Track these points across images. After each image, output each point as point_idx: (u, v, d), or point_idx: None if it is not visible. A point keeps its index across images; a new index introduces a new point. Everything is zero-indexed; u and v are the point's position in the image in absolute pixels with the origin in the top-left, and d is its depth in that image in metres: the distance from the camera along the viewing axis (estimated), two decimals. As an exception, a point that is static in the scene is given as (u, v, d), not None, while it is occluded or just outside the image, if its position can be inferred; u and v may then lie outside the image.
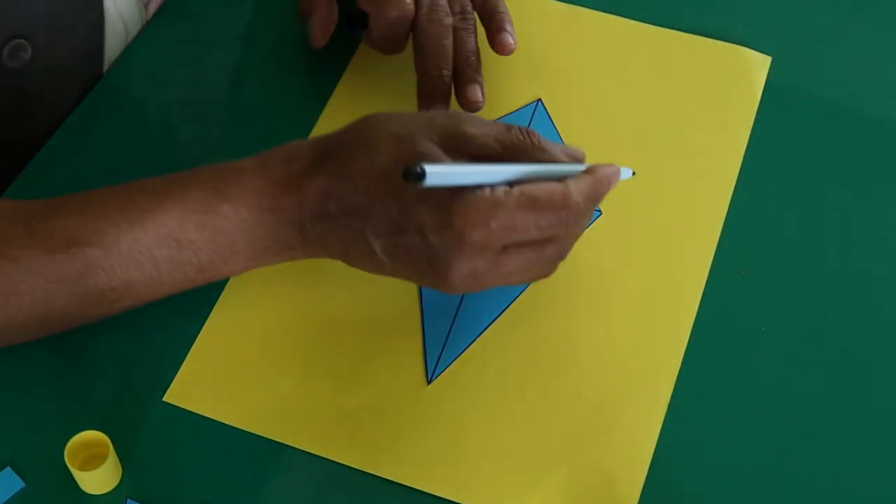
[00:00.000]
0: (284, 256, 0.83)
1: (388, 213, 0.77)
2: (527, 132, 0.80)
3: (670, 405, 0.82)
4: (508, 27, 0.97)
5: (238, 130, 0.98)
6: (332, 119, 0.97)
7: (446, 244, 0.75)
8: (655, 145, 0.96)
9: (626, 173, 0.84)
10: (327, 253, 0.82)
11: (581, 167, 0.80)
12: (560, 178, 0.78)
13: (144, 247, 0.79)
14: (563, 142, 0.96)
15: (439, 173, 0.71)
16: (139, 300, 0.82)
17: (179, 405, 0.83)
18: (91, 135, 0.96)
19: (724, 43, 1.02)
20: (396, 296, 0.87)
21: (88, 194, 0.81)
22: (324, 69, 1.01)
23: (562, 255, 0.81)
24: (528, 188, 0.76)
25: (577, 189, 0.77)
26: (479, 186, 0.74)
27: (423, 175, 0.69)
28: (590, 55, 1.02)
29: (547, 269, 0.81)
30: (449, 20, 0.95)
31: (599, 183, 0.80)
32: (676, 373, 0.84)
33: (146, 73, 1.00)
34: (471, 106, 0.95)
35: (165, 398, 0.83)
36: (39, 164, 0.94)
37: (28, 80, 0.94)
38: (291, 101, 0.99)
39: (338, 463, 0.80)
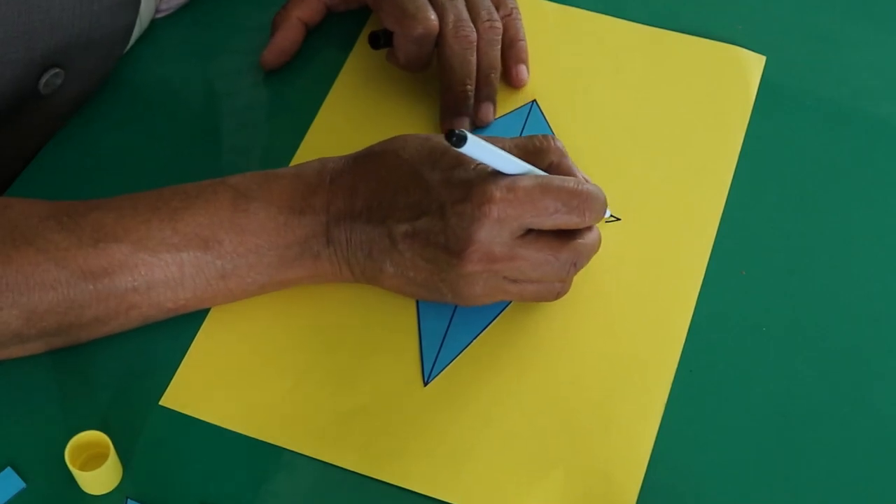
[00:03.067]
0: (307, 269, 0.83)
1: (411, 198, 0.80)
2: (547, 138, 0.84)
3: (668, 406, 0.83)
4: (525, 58, 0.99)
5: (237, 131, 0.98)
6: (329, 117, 0.97)
7: (464, 219, 0.78)
8: (651, 145, 0.96)
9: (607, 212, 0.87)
10: (349, 262, 0.83)
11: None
12: None
13: (172, 246, 0.80)
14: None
15: (478, 144, 0.76)
16: (155, 308, 0.82)
17: (176, 409, 0.82)
18: (93, 135, 0.96)
19: (718, 43, 1.02)
20: (393, 297, 0.87)
21: (123, 196, 0.82)
22: (322, 69, 1.01)
23: (575, 267, 0.82)
24: (543, 176, 0.80)
25: (588, 186, 0.81)
26: (500, 173, 0.80)
27: (464, 139, 0.74)
28: (584, 56, 1.02)
29: (558, 279, 0.83)
30: (474, 36, 0.95)
31: (600, 189, 0.82)
32: (674, 373, 0.84)
33: (148, 73, 1.00)
34: (480, 122, 0.96)
35: (162, 402, 0.82)
36: (40, 163, 0.94)
37: (59, 104, 0.94)
38: (289, 102, 0.99)
39: (334, 465, 0.80)
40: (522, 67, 0.98)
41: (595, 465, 0.80)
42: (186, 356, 0.85)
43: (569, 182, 0.80)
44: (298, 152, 0.95)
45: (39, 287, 0.78)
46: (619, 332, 0.86)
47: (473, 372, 0.84)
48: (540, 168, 0.82)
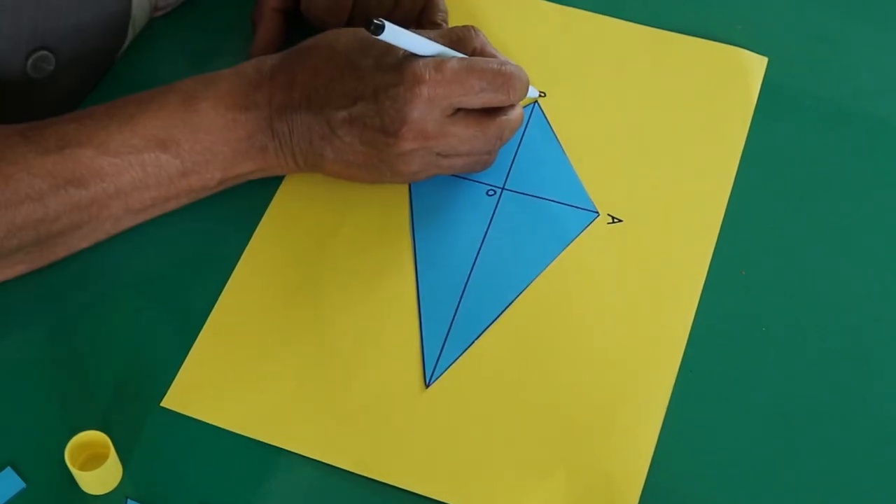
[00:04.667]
0: (258, 162, 0.88)
1: (346, 85, 0.86)
2: (468, 28, 0.90)
3: (670, 406, 0.82)
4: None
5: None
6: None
7: (398, 101, 0.84)
8: (653, 146, 0.96)
9: (532, 91, 0.94)
10: (295, 153, 0.88)
11: None
12: None
13: (133, 147, 0.84)
14: (560, 146, 0.96)
15: (397, 31, 0.82)
16: (124, 209, 0.85)
17: (177, 410, 0.82)
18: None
19: (720, 44, 1.02)
20: (394, 299, 0.87)
21: (79, 110, 0.86)
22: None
23: (500, 141, 0.90)
24: (469, 58, 0.87)
25: (512, 65, 0.87)
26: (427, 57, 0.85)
27: (382, 27, 0.80)
28: (586, 57, 1.02)
29: (485, 152, 0.90)
30: None
31: (522, 70, 0.88)
32: (675, 374, 0.84)
33: (145, 73, 1.00)
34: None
35: (163, 403, 0.82)
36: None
37: (51, 90, 0.93)
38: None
39: (335, 467, 0.80)
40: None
41: (597, 465, 0.80)
42: (188, 358, 0.85)
43: (493, 63, 0.86)
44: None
45: (16, 198, 0.81)
46: (620, 333, 0.86)
47: (475, 373, 0.84)
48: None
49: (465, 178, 0.94)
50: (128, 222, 0.87)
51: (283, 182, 0.93)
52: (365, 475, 0.80)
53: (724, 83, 1.00)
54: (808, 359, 0.85)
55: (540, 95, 0.98)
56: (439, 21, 1.00)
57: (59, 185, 0.82)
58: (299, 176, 0.93)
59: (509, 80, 0.86)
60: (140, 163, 0.84)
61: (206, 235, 0.91)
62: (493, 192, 0.93)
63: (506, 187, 0.93)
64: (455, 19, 1.02)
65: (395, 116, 0.84)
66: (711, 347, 0.85)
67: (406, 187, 0.93)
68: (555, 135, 0.97)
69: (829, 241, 0.91)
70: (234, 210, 0.92)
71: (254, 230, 0.91)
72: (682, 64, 1.01)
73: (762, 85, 0.99)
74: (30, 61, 0.90)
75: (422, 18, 1.00)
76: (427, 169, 0.89)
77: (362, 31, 0.87)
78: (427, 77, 0.84)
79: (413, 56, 0.85)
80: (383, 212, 0.92)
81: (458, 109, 0.86)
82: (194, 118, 0.85)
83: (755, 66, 1.01)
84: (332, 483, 0.80)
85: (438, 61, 0.85)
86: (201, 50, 1.02)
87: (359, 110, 0.85)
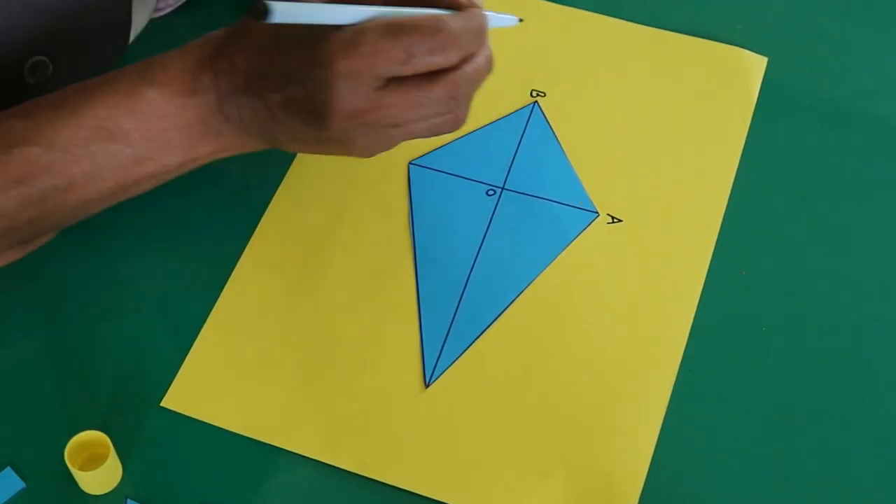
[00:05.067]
0: (215, 145, 0.84)
1: (276, 66, 0.80)
2: None
3: (670, 406, 0.82)
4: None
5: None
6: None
7: (318, 82, 0.77)
8: (653, 146, 0.96)
9: (507, 19, 0.85)
10: (248, 135, 0.84)
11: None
12: None
13: (81, 140, 0.81)
14: (560, 145, 0.96)
15: (287, 11, 0.72)
16: (83, 201, 0.83)
17: (177, 410, 0.82)
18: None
19: (720, 44, 1.02)
20: (394, 299, 0.88)
21: (28, 102, 0.84)
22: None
23: (456, 99, 0.79)
24: (391, 17, 0.77)
25: (448, 18, 0.77)
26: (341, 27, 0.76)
27: (266, 11, 0.71)
28: (586, 57, 1.02)
29: (442, 112, 0.80)
30: None
31: (472, 16, 0.78)
32: (675, 373, 0.84)
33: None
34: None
35: (163, 403, 0.83)
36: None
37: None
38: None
39: (334, 467, 0.80)
40: None
41: (597, 465, 0.80)
42: (188, 358, 0.85)
43: (424, 21, 0.76)
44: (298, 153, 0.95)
45: None
46: (620, 333, 0.86)
47: (475, 374, 0.84)
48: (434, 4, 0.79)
49: (465, 178, 0.94)
50: (93, 208, 0.85)
51: (283, 182, 0.93)
52: (365, 475, 0.80)
53: (724, 83, 1.00)
54: (808, 359, 0.85)
55: (519, 21, 0.87)
56: None
57: (8, 185, 0.80)
58: (299, 176, 0.93)
59: (446, 40, 0.76)
60: (89, 155, 0.81)
61: (206, 235, 0.91)
62: (492, 192, 0.93)
63: (506, 187, 0.93)
64: (455, 19, 1.01)
65: (318, 99, 0.78)
66: (711, 347, 0.85)
67: (406, 187, 0.93)
68: (555, 135, 0.97)
69: (829, 241, 0.91)
70: (234, 210, 0.92)
71: (254, 230, 0.91)
72: (682, 64, 1.01)
73: (762, 85, 0.99)
74: (27, 67, 0.90)
75: None
76: (379, 142, 0.81)
77: None
78: (339, 54, 0.76)
79: (332, 29, 0.76)
80: (383, 212, 0.92)
81: (393, 78, 0.77)
82: (142, 106, 0.82)
83: (755, 66, 1.01)
84: (332, 483, 0.80)
85: (355, 33, 0.76)
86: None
87: (290, 92, 0.79)
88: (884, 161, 0.95)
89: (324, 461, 0.80)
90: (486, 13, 0.80)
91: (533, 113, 0.98)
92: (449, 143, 0.96)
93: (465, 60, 0.78)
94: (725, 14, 1.05)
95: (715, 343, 0.85)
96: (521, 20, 0.87)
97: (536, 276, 0.89)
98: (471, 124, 0.97)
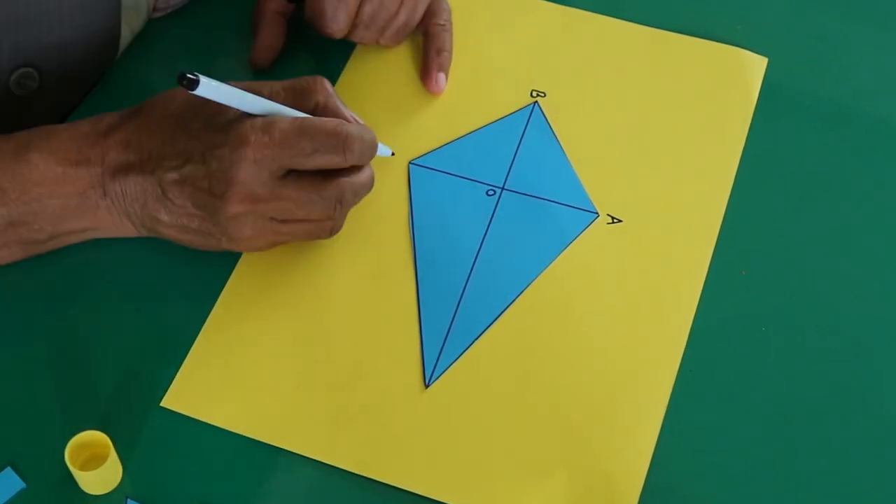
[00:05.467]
0: (89, 220, 0.85)
1: (177, 147, 0.82)
2: (315, 79, 0.86)
3: (670, 406, 0.82)
4: (447, 68, 1.01)
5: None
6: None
7: (224, 162, 0.80)
8: (653, 147, 0.96)
9: (384, 150, 0.91)
10: (127, 214, 0.85)
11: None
12: None
13: None
14: (560, 145, 0.96)
15: (215, 86, 0.78)
16: None
17: (177, 410, 0.82)
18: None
19: (720, 44, 1.02)
20: (394, 299, 0.87)
21: None
22: (321, 71, 1.00)
23: (340, 204, 0.84)
24: (303, 116, 0.83)
25: (348, 126, 0.83)
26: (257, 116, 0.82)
27: (196, 82, 0.77)
28: (586, 57, 1.02)
29: (326, 214, 0.84)
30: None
31: (368, 130, 0.85)
32: (675, 373, 0.84)
33: (146, 73, 1.00)
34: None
35: (163, 403, 0.82)
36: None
37: (37, 106, 0.94)
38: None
39: (334, 467, 0.80)
40: (442, 75, 1.00)
41: (596, 465, 0.80)
42: (188, 358, 0.85)
43: (328, 123, 0.82)
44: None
45: None
46: (620, 333, 0.86)
47: (475, 373, 0.84)
48: (305, 109, 0.84)
49: (465, 178, 0.94)
50: None
51: (283, 182, 0.93)
52: (365, 475, 0.80)
53: (724, 83, 1.00)
54: (808, 359, 0.85)
55: (392, 154, 0.93)
56: (443, 22, 1.00)
57: None
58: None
59: (345, 141, 0.82)
60: None
61: (206, 235, 0.91)
62: (492, 193, 0.93)
63: (506, 187, 0.93)
64: (457, 19, 1.02)
65: (222, 178, 0.81)
66: (711, 347, 0.85)
67: (406, 187, 0.93)
68: (555, 135, 0.97)
69: (829, 241, 0.91)
70: (234, 210, 0.92)
71: (254, 230, 0.91)
72: (682, 64, 1.01)
73: (762, 85, 1.00)
74: (13, 78, 0.90)
75: (426, 22, 1.00)
76: (263, 235, 0.84)
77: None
78: (253, 138, 0.80)
79: (244, 116, 0.82)
80: (383, 212, 0.92)
81: (292, 171, 0.82)
82: (24, 169, 0.82)
83: (755, 66, 1.01)
84: (332, 483, 0.80)
85: (268, 121, 0.81)
86: (201, 50, 1.02)
87: (188, 171, 0.82)
88: (884, 161, 0.96)
89: (324, 461, 0.80)
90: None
91: (533, 113, 0.98)
92: (449, 143, 0.96)
93: (355, 168, 0.85)
94: (725, 14, 1.05)
95: (715, 343, 0.85)
96: (392, 154, 0.93)
97: (536, 277, 0.89)
98: (471, 124, 0.97)
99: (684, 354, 0.85)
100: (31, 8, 0.88)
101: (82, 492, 0.79)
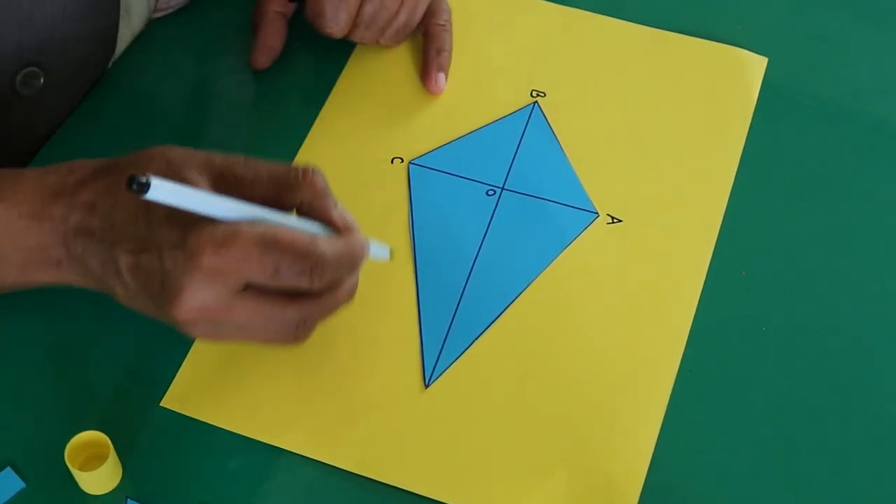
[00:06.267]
0: (52, 275, 0.80)
1: (138, 230, 0.75)
2: (307, 172, 0.77)
3: (669, 406, 0.82)
4: (447, 68, 1.00)
5: (236, 131, 0.98)
6: (329, 119, 0.98)
7: (178, 265, 0.73)
8: (653, 147, 0.96)
9: (381, 251, 0.83)
10: (88, 276, 0.79)
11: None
12: None
13: None
14: (560, 145, 0.96)
15: (167, 189, 0.69)
16: None
17: (177, 410, 0.82)
18: (87, 135, 0.96)
19: (720, 44, 1.02)
20: (394, 299, 0.87)
21: None
22: (322, 71, 1.01)
23: (306, 324, 0.77)
24: (272, 227, 0.73)
25: (325, 243, 0.75)
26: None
27: (147, 186, 0.67)
28: (586, 57, 1.02)
29: (287, 333, 0.77)
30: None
31: (351, 247, 0.77)
32: (675, 373, 0.84)
33: (147, 73, 1.00)
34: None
35: (163, 403, 0.82)
36: (38, 163, 0.94)
37: (41, 105, 0.94)
38: (288, 104, 0.99)
39: (334, 467, 0.80)
40: (442, 76, 0.99)
41: (596, 465, 0.80)
42: (187, 358, 0.85)
43: (300, 241, 0.73)
44: (300, 153, 0.95)
45: None
46: (620, 333, 0.86)
47: (475, 373, 0.84)
48: (287, 205, 0.77)
49: (465, 178, 0.94)
50: None
51: (283, 182, 0.93)
52: (365, 475, 0.80)
53: (724, 83, 1.00)
54: (808, 359, 0.85)
55: (391, 258, 0.86)
56: (442, 23, 1.00)
57: None
58: (299, 176, 0.93)
59: (315, 265, 0.74)
60: None
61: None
62: (492, 192, 0.93)
63: (505, 187, 0.93)
64: (457, 19, 1.02)
65: (172, 283, 0.73)
66: (711, 347, 0.85)
67: (406, 187, 0.93)
68: (554, 135, 0.97)
69: (829, 241, 0.91)
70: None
71: (254, 230, 0.91)
72: (682, 64, 1.01)
73: (762, 85, 1.00)
74: (18, 78, 0.90)
75: (426, 22, 1.00)
76: (217, 336, 0.77)
77: (173, 166, 0.75)
78: (209, 248, 0.71)
79: (207, 218, 0.72)
80: (383, 212, 0.92)
81: (252, 284, 0.74)
82: None
83: (755, 66, 1.01)
84: (332, 483, 0.80)
85: (231, 231, 0.72)
86: (201, 50, 1.03)
87: (143, 261, 0.74)
88: (884, 161, 0.96)
89: (324, 461, 0.80)
90: (366, 243, 0.79)
91: (533, 113, 0.98)
92: (449, 143, 0.96)
93: (328, 287, 0.77)
94: (725, 14, 1.05)
95: (715, 343, 0.85)
96: (391, 254, 0.86)
97: (536, 277, 0.89)
98: (471, 124, 0.97)
99: (684, 354, 0.85)
100: (36, 8, 0.88)
101: (82, 492, 0.79)
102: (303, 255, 0.73)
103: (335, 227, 0.77)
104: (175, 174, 0.74)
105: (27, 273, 0.80)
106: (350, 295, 0.79)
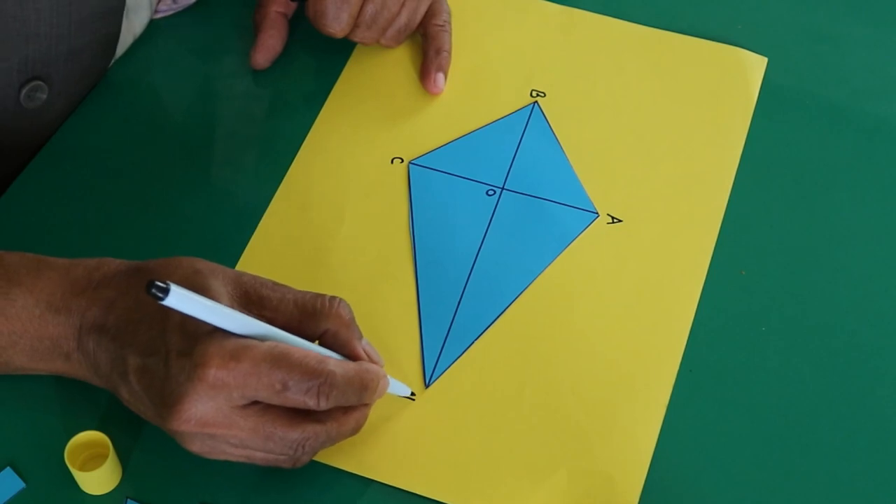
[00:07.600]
0: (60, 367, 0.80)
1: (150, 333, 0.75)
2: (333, 302, 0.77)
3: (670, 406, 0.82)
4: (446, 68, 1.00)
5: (237, 131, 0.98)
6: (329, 119, 0.97)
7: (182, 375, 0.72)
8: (653, 146, 0.96)
9: (401, 389, 0.82)
10: (96, 372, 0.78)
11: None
12: None
13: None
14: (560, 145, 0.96)
15: (184, 297, 0.69)
16: None
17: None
18: (88, 136, 0.96)
19: (720, 44, 1.02)
20: (394, 299, 0.87)
21: None
22: (322, 71, 1.01)
23: (305, 449, 0.76)
24: (284, 345, 0.73)
25: (336, 364, 0.74)
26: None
27: (165, 291, 0.67)
28: (587, 57, 1.02)
29: (287, 456, 0.76)
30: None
31: (365, 373, 0.76)
32: (675, 374, 0.84)
33: (146, 75, 1.00)
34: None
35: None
36: (39, 165, 0.94)
37: (44, 116, 0.94)
38: (288, 104, 0.99)
39: (334, 467, 0.80)
40: (441, 76, 0.99)
41: (597, 465, 0.80)
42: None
43: (309, 360, 0.72)
44: (300, 153, 0.95)
45: None
46: (620, 333, 0.86)
47: (475, 374, 0.84)
48: (311, 334, 0.77)
49: (465, 178, 0.94)
50: None
51: (284, 182, 0.93)
52: (365, 475, 0.80)
53: (724, 83, 1.00)
54: (808, 359, 0.85)
55: (411, 396, 0.83)
56: (442, 23, 1.00)
57: None
58: (299, 176, 0.93)
59: (325, 383, 0.72)
60: None
61: (207, 234, 0.91)
62: (492, 192, 0.93)
63: (505, 187, 0.93)
64: (456, 19, 1.02)
65: (175, 391, 0.72)
66: (711, 347, 0.85)
67: (406, 187, 0.93)
68: (554, 135, 0.97)
69: (828, 241, 0.91)
70: (234, 209, 0.92)
71: (254, 229, 0.91)
72: (682, 64, 1.01)
73: (762, 85, 1.00)
74: (23, 92, 0.90)
75: (426, 22, 1.00)
76: (213, 453, 0.75)
77: (205, 275, 0.76)
78: (216, 361, 0.71)
79: (220, 331, 0.72)
80: (383, 212, 0.92)
81: (257, 401, 0.73)
82: (4, 303, 0.77)
83: (755, 66, 1.01)
84: (331, 483, 0.80)
85: (241, 346, 0.71)
86: (201, 50, 1.02)
87: (151, 364, 0.74)
88: (884, 161, 0.95)
89: (323, 461, 0.80)
90: (382, 373, 0.78)
91: (533, 113, 0.98)
92: (449, 143, 0.96)
93: (334, 413, 0.76)
94: (725, 14, 1.05)
95: (715, 343, 0.85)
96: (413, 394, 0.83)
97: (536, 277, 0.89)
98: (471, 124, 0.97)
99: (684, 354, 0.85)
100: (43, 23, 0.88)
101: (82, 492, 0.79)
102: (312, 372, 0.72)
103: (358, 359, 0.77)
104: (199, 283, 0.74)
105: (35, 360, 0.80)
106: (355, 429, 0.78)
